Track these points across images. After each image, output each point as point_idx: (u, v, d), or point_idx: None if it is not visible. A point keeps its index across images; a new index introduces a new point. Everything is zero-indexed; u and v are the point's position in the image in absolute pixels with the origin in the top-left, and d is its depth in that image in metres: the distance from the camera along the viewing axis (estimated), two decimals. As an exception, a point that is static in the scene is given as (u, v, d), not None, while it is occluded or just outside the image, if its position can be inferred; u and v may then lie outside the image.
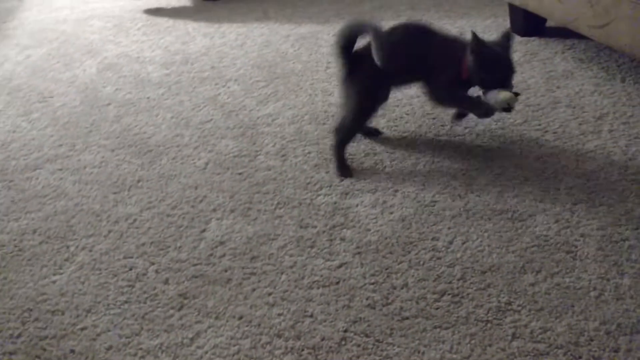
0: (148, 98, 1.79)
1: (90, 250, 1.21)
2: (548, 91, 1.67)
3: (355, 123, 1.38)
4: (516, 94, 1.26)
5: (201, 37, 2.25)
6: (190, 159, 1.47)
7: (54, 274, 1.16)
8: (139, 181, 1.41)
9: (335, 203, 1.28)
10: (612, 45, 1.60)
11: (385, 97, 1.40)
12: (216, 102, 1.74)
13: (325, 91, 1.76)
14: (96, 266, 1.17)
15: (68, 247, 1.22)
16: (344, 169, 1.37)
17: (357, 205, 1.27)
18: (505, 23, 2.14)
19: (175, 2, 2.71)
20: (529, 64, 1.84)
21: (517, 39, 2.02)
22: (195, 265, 1.15)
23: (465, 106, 1.39)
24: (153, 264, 1.16)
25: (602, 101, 1.59)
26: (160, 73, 1.95)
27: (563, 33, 2.01)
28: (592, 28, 1.64)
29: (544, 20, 2.02)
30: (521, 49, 1.94)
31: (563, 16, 1.75)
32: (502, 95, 1.25)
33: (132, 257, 1.18)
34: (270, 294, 1.07)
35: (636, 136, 1.43)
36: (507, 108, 1.27)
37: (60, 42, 2.27)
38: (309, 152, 1.47)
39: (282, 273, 1.11)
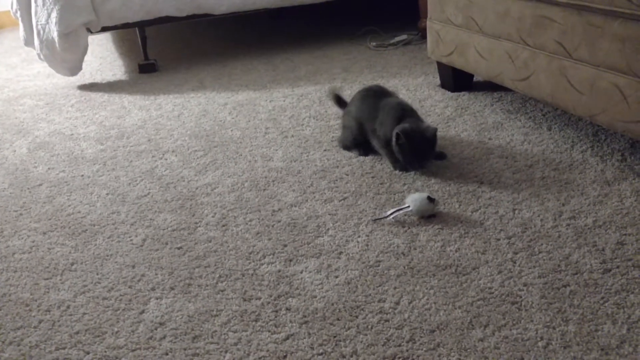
0: (82, 176, 1.74)
1: (19, 345, 1.12)
2: (481, 143, 1.72)
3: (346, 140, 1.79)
4: (431, 199, 1.37)
5: (137, 110, 2.23)
6: (127, 237, 1.42)
7: (-22, 375, 1.07)
8: (72, 264, 1.34)
9: (279, 271, 1.25)
10: (535, 97, 1.68)
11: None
12: (153, 175, 1.71)
13: (265, 156, 1.76)
14: (25, 362, 1.08)
15: (-7, 343, 1.13)
16: (360, 151, 1.73)
17: (301, 272, 1.24)
18: (435, 80, 2.22)
19: (110, 77, 2.69)
20: (460, 117, 1.90)
21: (448, 94, 2.09)
22: (133, 350, 1.08)
23: (389, 159, 1.64)
24: (88, 353, 1.09)
25: (532, 150, 1.65)
26: (95, 149, 1.91)
27: (490, 86, 2.10)
28: (515, 81, 1.72)
29: (472, 75, 2.11)
30: (452, 104, 2.01)
31: (487, 72, 1.84)
32: (422, 206, 1.38)
33: (65, 348, 1.10)
34: (214, 375, 1.01)
35: (566, 181, 1.48)
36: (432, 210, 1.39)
37: (-11, 124, 2.20)
38: (251, 220, 1.44)
39: (226, 352, 1.06)
